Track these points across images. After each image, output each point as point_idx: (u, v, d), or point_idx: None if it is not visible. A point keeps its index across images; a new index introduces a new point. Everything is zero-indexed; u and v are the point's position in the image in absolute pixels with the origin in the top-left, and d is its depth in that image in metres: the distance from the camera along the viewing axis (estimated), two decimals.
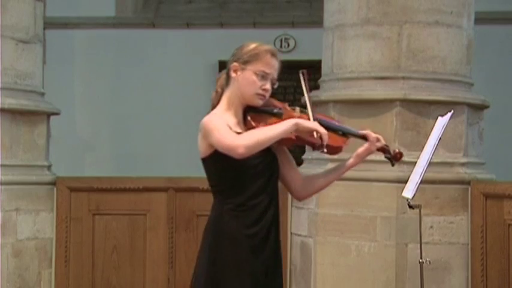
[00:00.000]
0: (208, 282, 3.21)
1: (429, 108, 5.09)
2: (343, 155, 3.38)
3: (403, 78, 5.15)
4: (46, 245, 5.72)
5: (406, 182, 3.81)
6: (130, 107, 8.94)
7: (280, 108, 3.28)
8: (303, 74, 3.35)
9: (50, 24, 7.70)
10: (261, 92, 3.22)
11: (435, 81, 5.17)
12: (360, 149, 3.32)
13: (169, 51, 8.92)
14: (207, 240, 3.24)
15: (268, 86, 3.23)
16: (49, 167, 5.83)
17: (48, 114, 5.83)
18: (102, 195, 5.77)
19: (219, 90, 3.32)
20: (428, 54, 5.15)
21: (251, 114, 3.24)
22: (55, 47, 8.59)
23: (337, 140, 3.30)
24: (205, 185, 5.92)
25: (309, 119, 3.24)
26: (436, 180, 5.01)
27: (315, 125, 3.13)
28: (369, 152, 3.32)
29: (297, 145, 3.32)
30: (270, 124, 3.18)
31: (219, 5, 9.30)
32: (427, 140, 3.73)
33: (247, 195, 3.17)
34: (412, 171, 3.81)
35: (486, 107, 5.43)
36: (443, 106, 4.92)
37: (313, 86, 5.98)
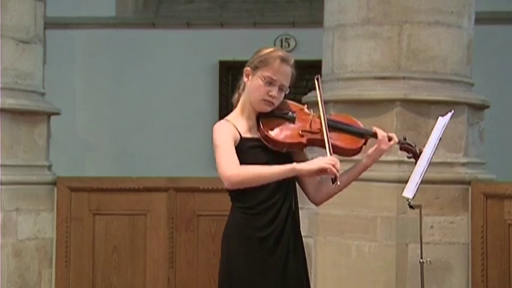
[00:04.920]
0: (226, 284, 3.20)
1: (429, 108, 5.09)
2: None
3: (404, 78, 5.15)
4: (46, 245, 5.72)
5: (406, 182, 3.81)
6: (130, 107, 8.94)
7: (293, 112, 3.25)
8: (318, 80, 3.32)
9: (50, 24, 7.69)
10: (267, 98, 3.19)
11: (435, 81, 5.17)
12: (371, 150, 3.32)
13: (170, 51, 8.92)
14: (225, 243, 3.24)
15: (274, 92, 3.19)
16: (49, 167, 5.83)
17: (49, 114, 5.84)
18: (102, 195, 5.77)
19: (241, 92, 3.30)
20: (428, 54, 5.15)
21: (263, 119, 3.22)
22: (55, 47, 8.58)
23: (352, 142, 3.29)
24: (205, 185, 5.91)
25: (321, 124, 3.21)
26: (437, 180, 5.01)
27: (316, 165, 3.07)
28: (379, 151, 3.31)
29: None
30: (281, 128, 3.18)
31: (219, 5, 9.30)
32: (427, 140, 3.72)
33: (258, 199, 3.15)
34: (412, 171, 3.80)
35: (486, 107, 5.43)
36: (443, 106, 4.92)
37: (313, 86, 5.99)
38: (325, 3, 5.54)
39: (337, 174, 3.07)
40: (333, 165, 3.06)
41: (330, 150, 3.14)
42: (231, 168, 3.03)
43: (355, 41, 5.23)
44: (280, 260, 3.18)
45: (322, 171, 3.07)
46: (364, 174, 4.95)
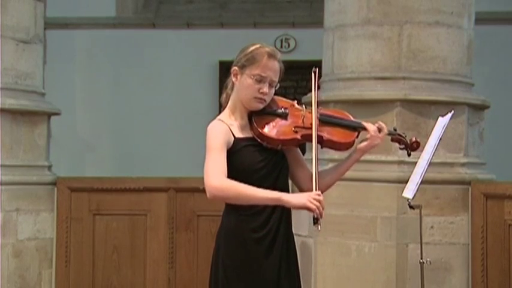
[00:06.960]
0: (220, 285, 3.18)
1: (430, 108, 5.10)
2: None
3: (404, 78, 5.15)
4: (46, 245, 5.72)
5: (406, 182, 3.81)
6: (130, 107, 8.95)
7: (285, 108, 3.24)
8: (315, 73, 3.27)
9: (50, 24, 7.69)
10: (258, 95, 3.16)
11: (436, 81, 5.17)
12: (363, 143, 3.30)
13: (170, 52, 8.92)
14: (218, 244, 3.23)
15: (265, 89, 3.15)
16: (49, 167, 5.84)
17: (49, 115, 5.84)
18: (102, 195, 5.77)
19: (229, 92, 3.27)
20: (428, 54, 5.15)
21: (255, 117, 3.20)
22: (55, 47, 8.59)
23: (345, 136, 3.28)
24: None
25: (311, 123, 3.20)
26: (437, 181, 5.01)
27: (302, 202, 2.98)
28: (371, 146, 3.29)
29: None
30: (274, 125, 3.17)
31: (219, 5, 9.30)
32: (427, 140, 3.72)
33: None
34: (412, 171, 3.81)
35: (486, 107, 5.43)
36: (443, 106, 4.92)
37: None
38: (325, 3, 5.54)
39: (320, 216, 2.98)
40: (318, 207, 2.97)
41: (315, 187, 3.06)
42: (217, 178, 2.98)
43: (355, 41, 5.23)
44: (275, 261, 3.16)
45: (307, 209, 2.99)
46: (364, 174, 5.00)
